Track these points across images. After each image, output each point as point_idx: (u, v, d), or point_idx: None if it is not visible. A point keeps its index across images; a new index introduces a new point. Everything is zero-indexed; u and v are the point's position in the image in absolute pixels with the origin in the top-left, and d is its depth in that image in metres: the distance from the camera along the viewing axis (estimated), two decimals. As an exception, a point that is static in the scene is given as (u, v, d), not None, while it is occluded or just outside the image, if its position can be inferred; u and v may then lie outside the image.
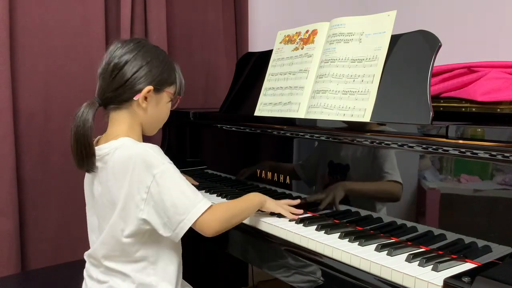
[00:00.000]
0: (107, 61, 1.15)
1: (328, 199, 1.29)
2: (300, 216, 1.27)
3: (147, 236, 1.13)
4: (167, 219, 1.08)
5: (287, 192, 1.42)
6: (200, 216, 1.08)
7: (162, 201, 1.07)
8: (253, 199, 1.25)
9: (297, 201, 1.34)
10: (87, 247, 1.22)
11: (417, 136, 1.07)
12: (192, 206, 1.08)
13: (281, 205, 1.29)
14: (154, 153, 1.09)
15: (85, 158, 1.11)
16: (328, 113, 1.32)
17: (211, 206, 1.11)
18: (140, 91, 1.13)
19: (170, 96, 1.22)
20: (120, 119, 1.16)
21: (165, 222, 1.08)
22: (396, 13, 1.27)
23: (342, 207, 1.25)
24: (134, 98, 1.13)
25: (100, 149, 1.13)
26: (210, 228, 1.11)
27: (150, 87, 1.14)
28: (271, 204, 1.27)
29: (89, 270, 1.19)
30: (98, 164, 1.13)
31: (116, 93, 1.13)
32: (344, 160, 1.25)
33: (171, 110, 1.26)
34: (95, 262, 1.18)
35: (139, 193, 1.07)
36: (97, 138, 1.20)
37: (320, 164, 1.33)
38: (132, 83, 1.13)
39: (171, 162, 1.12)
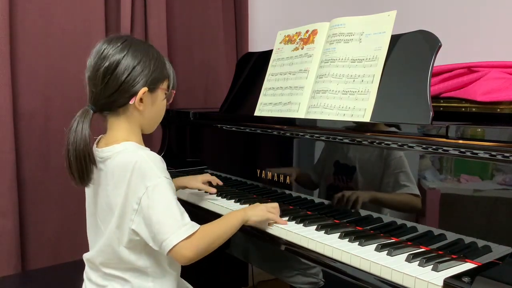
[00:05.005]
0: (95, 64, 1.08)
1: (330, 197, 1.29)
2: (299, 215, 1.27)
3: (142, 247, 1.10)
4: (153, 234, 1.05)
5: (287, 192, 1.42)
6: (178, 243, 1.03)
7: (149, 216, 1.04)
8: (233, 220, 1.18)
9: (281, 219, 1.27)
10: (87, 247, 1.21)
11: (417, 136, 1.07)
12: (175, 228, 1.04)
13: (266, 213, 1.23)
14: (153, 165, 1.06)
15: (86, 170, 1.07)
16: (328, 113, 1.32)
17: (193, 233, 1.05)
18: (135, 94, 1.09)
19: (164, 92, 1.17)
20: (118, 125, 1.12)
21: (152, 236, 1.05)
22: (396, 13, 1.28)
23: (342, 207, 1.25)
24: (130, 102, 1.09)
25: (103, 152, 1.11)
26: (184, 257, 1.05)
27: (145, 89, 1.09)
28: (256, 217, 1.21)
29: (88, 273, 1.19)
30: (100, 166, 1.11)
31: (110, 99, 1.08)
32: (344, 160, 1.25)
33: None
34: (94, 267, 1.17)
35: (132, 203, 1.06)
36: (98, 138, 1.17)
37: (319, 164, 1.33)
38: (126, 87, 1.07)
39: (168, 177, 1.08)
